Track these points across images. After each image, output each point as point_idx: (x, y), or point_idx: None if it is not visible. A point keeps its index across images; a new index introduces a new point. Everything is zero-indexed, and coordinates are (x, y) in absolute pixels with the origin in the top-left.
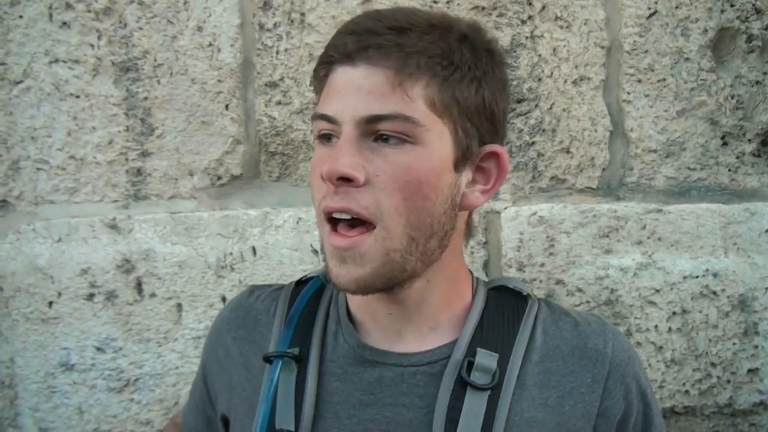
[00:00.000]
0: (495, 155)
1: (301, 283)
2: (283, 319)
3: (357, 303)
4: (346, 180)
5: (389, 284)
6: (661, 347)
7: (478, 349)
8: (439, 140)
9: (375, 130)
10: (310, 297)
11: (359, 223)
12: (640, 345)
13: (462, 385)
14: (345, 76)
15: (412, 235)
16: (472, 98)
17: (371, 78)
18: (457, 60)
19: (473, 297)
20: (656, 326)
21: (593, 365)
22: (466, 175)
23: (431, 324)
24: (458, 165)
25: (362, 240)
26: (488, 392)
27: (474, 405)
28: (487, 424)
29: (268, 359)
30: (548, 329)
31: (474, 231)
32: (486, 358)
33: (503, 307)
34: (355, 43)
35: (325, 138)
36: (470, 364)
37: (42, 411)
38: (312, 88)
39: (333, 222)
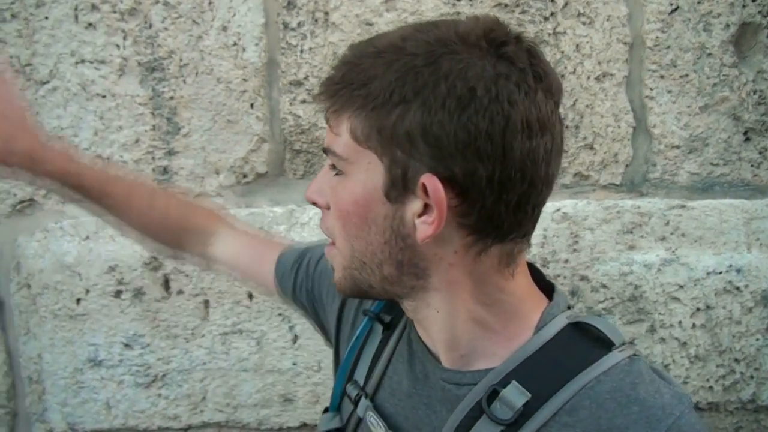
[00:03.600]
0: (423, 185)
1: None
2: None
3: None
4: (314, 204)
5: (363, 296)
6: (685, 343)
7: (513, 381)
8: (365, 171)
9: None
10: None
11: None
12: (665, 341)
13: (480, 411)
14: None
15: (361, 259)
16: (397, 124)
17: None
18: (375, 86)
19: (537, 330)
20: (680, 322)
21: None
22: (414, 205)
23: (462, 352)
24: (391, 196)
25: (331, 250)
26: (502, 427)
27: None
28: None
29: (365, 312)
30: (601, 394)
31: (512, 260)
32: (514, 394)
33: (571, 349)
34: (321, 82)
35: None
36: (495, 393)
37: (70, 406)
38: None
39: None
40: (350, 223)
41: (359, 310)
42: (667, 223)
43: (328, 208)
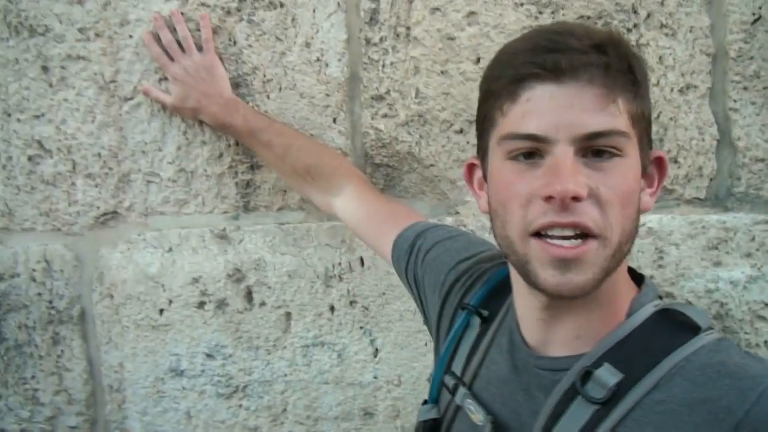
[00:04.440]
0: (658, 159)
1: None
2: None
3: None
4: (574, 198)
5: (594, 287)
6: None
7: (605, 363)
8: (634, 151)
9: (590, 146)
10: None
11: (580, 235)
12: None
13: (575, 392)
14: (550, 94)
15: (622, 241)
16: (648, 109)
17: (584, 96)
18: (640, 75)
19: (629, 314)
20: (766, 341)
21: (719, 424)
22: (641, 181)
23: (578, 333)
24: (643, 173)
25: (587, 249)
26: (596, 406)
27: (576, 414)
28: None
29: (462, 307)
30: (692, 371)
31: None
32: (607, 374)
33: (660, 333)
34: (563, 61)
35: (525, 156)
36: (588, 375)
37: (150, 415)
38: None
39: (539, 236)
40: (629, 202)
41: (458, 306)
42: (753, 239)
43: (588, 198)
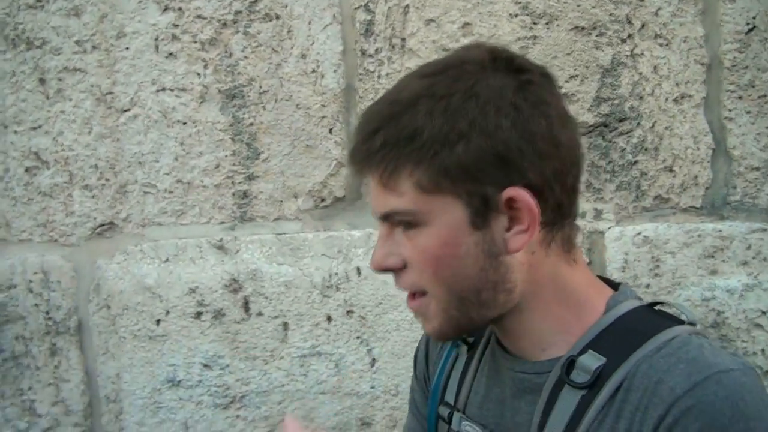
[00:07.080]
0: (511, 200)
1: None
2: None
3: None
4: (384, 269)
5: (464, 332)
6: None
7: (589, 350)
8: (443, 214)
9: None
10: None
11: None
12: None
13: (562, 382)
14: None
15: (460, 295)
16: (463, 158)
17: (373, 183)
18: (427, 135)
19: (608, 311)
20: (763, 350)
21: (662, 403)
22: (500, 222)
23: (543, 346)
24: (477, 223)
25: (421, 302)
26: (582, 391)
27: (565, 403)
28: (573, 422)
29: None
30: (654, 357)
31: (571, 245)
32: (590, 359)
33: (644, 321)
34: (354, 159)
35: None
36: (573, 363)
37: (147, 426)
38: None
39: None
40: (443, 264)
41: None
42: (749, 247)
43: (404, 267)
